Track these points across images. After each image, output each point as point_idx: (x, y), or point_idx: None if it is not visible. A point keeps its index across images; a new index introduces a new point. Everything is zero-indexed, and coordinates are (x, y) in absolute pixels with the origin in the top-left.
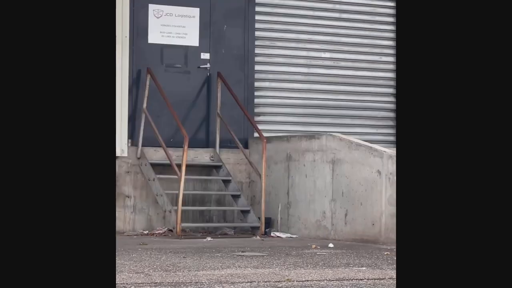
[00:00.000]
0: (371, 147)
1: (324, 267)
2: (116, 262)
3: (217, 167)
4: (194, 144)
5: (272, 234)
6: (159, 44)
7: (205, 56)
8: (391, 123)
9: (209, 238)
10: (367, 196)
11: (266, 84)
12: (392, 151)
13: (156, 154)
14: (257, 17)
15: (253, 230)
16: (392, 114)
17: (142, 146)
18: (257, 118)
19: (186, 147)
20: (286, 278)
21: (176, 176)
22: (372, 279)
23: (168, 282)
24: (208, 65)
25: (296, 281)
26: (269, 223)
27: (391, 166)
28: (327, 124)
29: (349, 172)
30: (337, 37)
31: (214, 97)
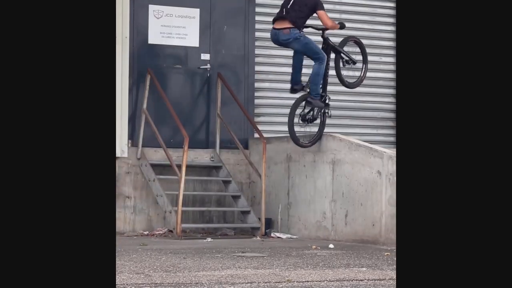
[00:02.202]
0: (371, 147)
1: (324, 268)
2: (116, 262)
3: (217, 168)
4: (194, 144)
5: (272, 235)
6: (159, 44)
7: (205, 56)
8: (391, 123)
9: (209, 239)
10: (367, 196)
11: (266, 84)
12: (392, 152)
13: (156, 155)
14: (257, 18)
15: (253, 231)
16: (392, 115)
17: (142, 146)
18: (257, 119)
19: (186, 147)
20: (287, 278)
21: (176, 177)
22: (372, 280)
23: (168, 283)
24: (208, 66)
25: (296, 281)
26: (269, 224)
27: (391, 167)
28: (327, 125)
29: (349, 172)
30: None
31: (214, 98)
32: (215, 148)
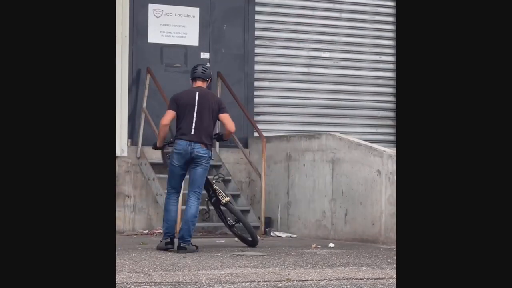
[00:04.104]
0: (371, 146)
1: (324, 267)
2: (116, 261)
3: (217, 167)
4: None
5: (272, 234)
6: (159, 43)
7: (205, 55)
8: (391, 122)
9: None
10: (367, 195)
11: (266, 83)
12: (392, 151)
13: (156, 154)
14: (257, 17)
15: None
16: (392, 114)
17: (142, 145)
18: (257, 118)
19: None
20: (286, 277)
21: None
22: (372, 279)
23: (168, 282)
24: (208, 65)
25: (296, 280)
26: (269, 223)
27: (391, 166)
28: (327, 124)
29: (349, 171)
30: (337, 36)
31: None
32: (215, 147)
